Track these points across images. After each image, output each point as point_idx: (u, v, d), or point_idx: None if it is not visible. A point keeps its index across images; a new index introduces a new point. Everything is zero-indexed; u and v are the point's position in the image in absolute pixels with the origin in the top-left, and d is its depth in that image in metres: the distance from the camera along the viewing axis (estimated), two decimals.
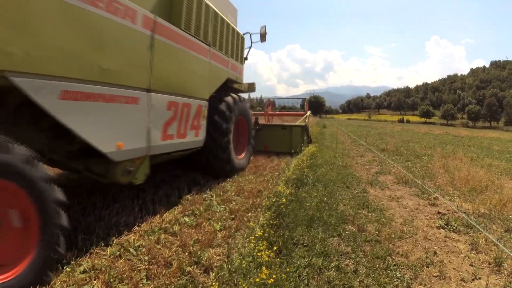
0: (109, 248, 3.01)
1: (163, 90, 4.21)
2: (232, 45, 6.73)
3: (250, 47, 8.48)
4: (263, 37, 8.42)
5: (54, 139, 3.05)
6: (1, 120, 2.89)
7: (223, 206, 4.46)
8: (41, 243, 2.38)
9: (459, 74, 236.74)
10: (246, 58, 8.07)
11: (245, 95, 8.20)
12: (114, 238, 3.23)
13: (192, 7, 4.87)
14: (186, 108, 4.81)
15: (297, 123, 10.72)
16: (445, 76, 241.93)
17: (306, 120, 11.39)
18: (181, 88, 4.70)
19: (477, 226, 3.65)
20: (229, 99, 6.19)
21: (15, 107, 2.95)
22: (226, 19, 6.28)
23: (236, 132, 6.78)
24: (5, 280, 2.16)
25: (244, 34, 7.68)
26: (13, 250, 2.31)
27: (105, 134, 3.25)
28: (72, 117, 2.84)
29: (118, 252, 2.96)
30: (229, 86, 6.87)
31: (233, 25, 6.77)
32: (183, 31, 4.63)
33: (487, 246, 3.59)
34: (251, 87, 8.32)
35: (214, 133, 5.70)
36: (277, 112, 14.90)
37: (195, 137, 5.20)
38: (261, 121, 10.70)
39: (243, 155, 7.26)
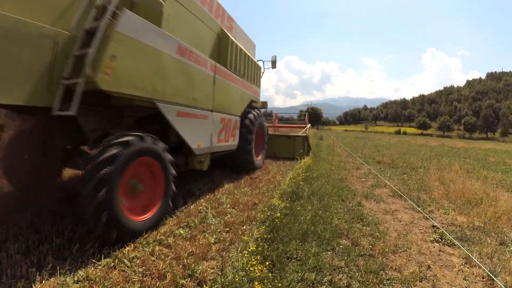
0: (103, 258, 3.01)
1: (219, 110, 6.30)
2: (253, 74, 8.85)
3: (263, 72, 10.30)
4: (273, 64, 10.66)
5: None
6: (125, 127, 4.69)
7: (218, 219, 4.46)
8: (165, 187, 4.11)
9: (455, 86, 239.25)
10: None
11: None
12: (108, 248, 3.24)
13: (233, 52, 7.01)
14: (229, 122, 6.90)
15: (299, 134, 12.57)
16: (441, 88, 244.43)
17: (307, 132, 13.29)
18: (227, 108, 6.77)
19: (458, 243, 3.66)
20: (254, 113, 8.50)
21: (133, 120, 4.83)
22: (250, 55, 8.44)
23: (255, 139, 8.80)
24: (149, 216, 3.84)
25: (257, 61, 9.49)
26: (157, 194, 4.05)
27: (194, 137, 5.25)
28: (181, 127, 4.81)
29: (113, 263, 2.96)
30: (251, 105, 8.79)
31: (254, 59, 8.93)
32: (228, 69, 6.70)
33: (481, 260, 3.61)
34: (264, 104, 10.42)
35: (244, 136, 7.89)
36: (283, 125, 16.75)
37: (233, 142, 7.34)
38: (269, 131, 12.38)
39: (260, 157, 9.52)
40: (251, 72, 8.51)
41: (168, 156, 4.14)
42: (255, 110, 8.99)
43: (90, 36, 3.52)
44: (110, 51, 3.37)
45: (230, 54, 6.81)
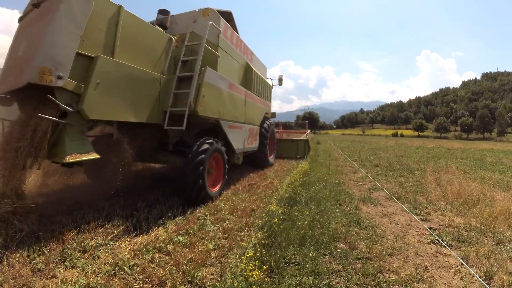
0: (103, 266, 3.04)
1: (248, 122, 8.66)
2: (266, 92, 11.33)
3: (271, 88, 12.51)
4: (280, 82, 12.94)
5: None
6: (193, 135, 6.77)
7: (217, 225, 4.49)
8: (224, 168, 6.48)
9: (451, 87, 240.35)
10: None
11: None
12: (109, 256, 3.26)
13: (255, 79, 9.45)
14: (253, 130, 9.31)
15: (301, 138, 14.89)
16: (437, 90, 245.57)
17: (307, 136, 15.72)
18: (252, 120, 9.13)
19: (448, 248, 3.68)
20: (267, 123, 11.07)
21: (198, 130, 6.87)
22: (264, 78, 11.12)
23: (269, 142, 11.23)
24: (217, 189, 6.23)
25: (266, 79, 11.68)
26: (220, 175, 6.45)
27: (235, 141, 7.55)
28: (230, 135, 7.13)
29: (113, 271, 2.98)
30: (265, 116, 11.09)
31: (266, 80, 11.44)
32: (252, 92, 9.10)
33: (478, 260, 3.64)
34: (273, 115, 12.77)
35: (261, 140, 10.38)
36: (287, 131, 18.74)
37: (255, 144, 9.72)
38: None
39: (272, 156, 12.12)
40: (265, 92, 11.04)
41: (223, 148, 6.41)
42: (268, 120, 11.43)
43: (180, 80, 5.76)
44: (202, 93, 5.58)
45: (253, 81, 9.29)
